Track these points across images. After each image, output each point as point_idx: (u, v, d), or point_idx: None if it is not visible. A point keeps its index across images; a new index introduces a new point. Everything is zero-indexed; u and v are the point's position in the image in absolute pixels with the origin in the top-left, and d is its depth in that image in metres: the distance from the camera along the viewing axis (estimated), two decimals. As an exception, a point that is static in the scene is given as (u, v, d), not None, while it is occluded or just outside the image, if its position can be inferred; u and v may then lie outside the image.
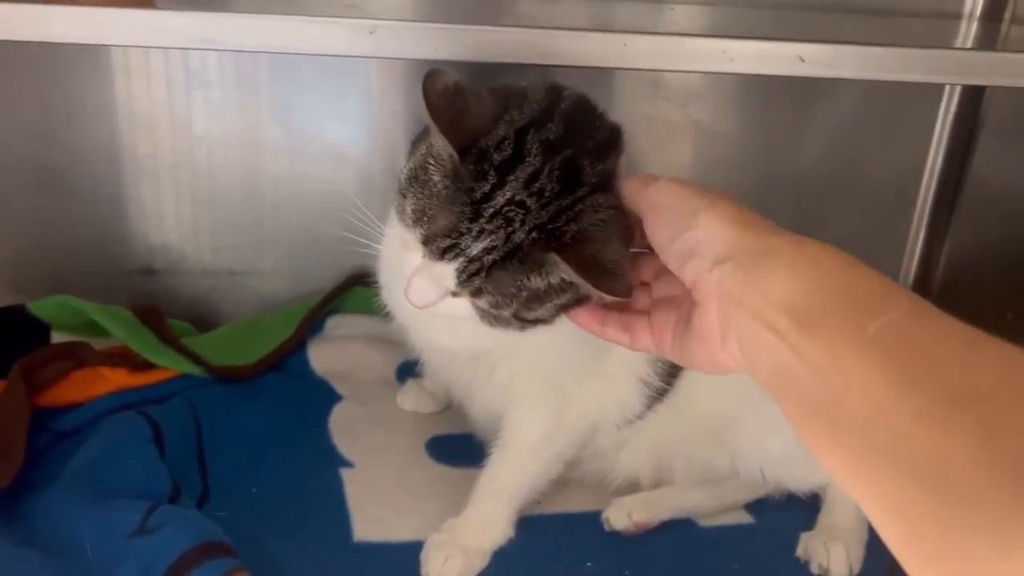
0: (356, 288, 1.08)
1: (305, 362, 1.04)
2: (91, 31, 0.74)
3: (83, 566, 0.70)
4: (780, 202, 1.14)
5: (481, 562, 0.79)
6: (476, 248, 0.59)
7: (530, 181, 0.59)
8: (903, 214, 1.20)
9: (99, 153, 1.03)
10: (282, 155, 1.06)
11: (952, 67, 0.88)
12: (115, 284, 1.07)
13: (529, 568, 0.79)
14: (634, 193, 0.60)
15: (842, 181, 1.16)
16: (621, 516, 0.83)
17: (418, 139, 0.64)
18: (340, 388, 1.02)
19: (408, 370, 1.02)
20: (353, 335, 1.07)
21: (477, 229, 0.59)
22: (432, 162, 0.60)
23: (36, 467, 0.82)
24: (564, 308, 0.63)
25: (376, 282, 0.80)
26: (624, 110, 1.07)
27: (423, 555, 0.78)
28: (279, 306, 1.09)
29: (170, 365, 0.95)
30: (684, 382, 0.83)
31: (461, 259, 0.60)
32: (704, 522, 0.87)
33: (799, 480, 0.88)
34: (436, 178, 0.60)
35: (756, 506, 0.89)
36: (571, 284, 0.61)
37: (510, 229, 0.59)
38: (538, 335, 0.65)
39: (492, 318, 0.63)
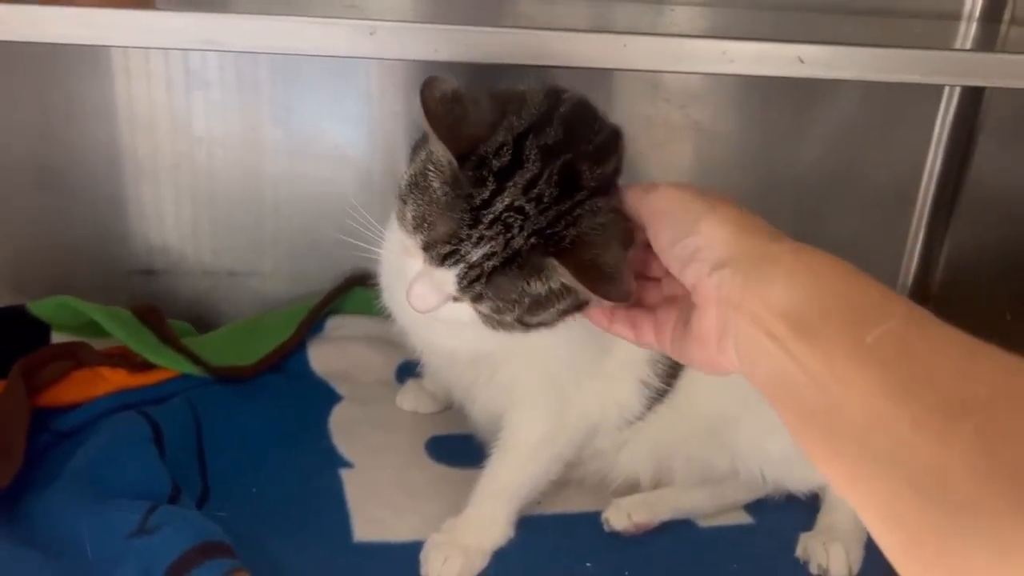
0: (356, 289, 1.08)
1: (305, 362, 1.04)
2: (91, 32, 0.74)
3: (83, 566, 0.70)
4: (780, 203, 1.14)
5: (481, 562, 0.79)
6: (476, 254, 0.59)
7: (529, 187, 0.59)
8: (902, 215, 1.20)
9: (99, 153, 1.03)
10: (282, 156, 1.06)
11: (951, 68, 0.88)
12: (115, 284, 1.07)
13: (529, 568, 0.79)
14: (635, 200, 0.60)
15: (842, 182, 1.16)
16: (621, 516, 0.83)
17: (418, 145, 0.64)
18: (340, 388, 1.02)
19: (408, 371, 1.02)
20: (353, 336, 1.07)
21: (477, 235, 0.59)
22: (432, 169, 0.60)
23: (36, 467, 0.82)
24: (566, 313, 0.63)
25: (376, 283, 0.80)
26: (624, 111, 1.07)
27: (423, 555, 0.78)
28: (279, 307, 1.09)
29: (170, 365, 0.95)
30: (684, 383, 0.83)
31: (461, 265, 0.60)
32: (704, 523, 0.87)
33: (799, 480, 0.88)
34: (436, 185, 0.60)
35: (756, 506, 0.89)
36: (571, 289, 0.61)
37: (509, 235, 0.59)
38: (539, 337, 0.65)
39: (494, 323, 0.63)
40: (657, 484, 0.89)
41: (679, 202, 0.57)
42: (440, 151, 0.59)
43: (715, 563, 0.82)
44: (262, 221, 1.09)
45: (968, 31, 1.06)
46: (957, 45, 0.98)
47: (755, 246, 0.52)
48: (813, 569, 0.81)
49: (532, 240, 0.59)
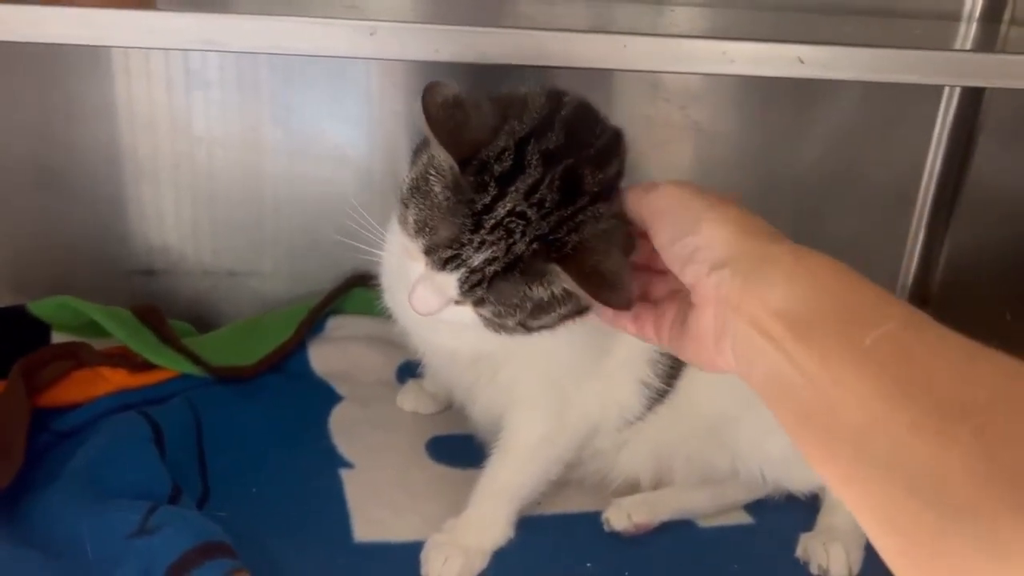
0: (356, 289, 1.08)
1: (305, 363, 1.04)
2: (91, 32, 0.74)
3: (83, 566, 0.70)
4: (780, 203, 1.14)
5: (481, 562, 0.79)
6: (477, 259, 0.59)
7: (530, 192, 0.59)
8: (903, 215, 1.20)
9: (99, 153, 1.03)
10: (282, 156, 1.06)
11: (951, 69, 0.88)
12: (115, 284, 1.07)
13: (529, 568, 0.79)
14: (636, 200, 0.60)
15: (842, 182, 1.16)
16: (621, 517, 0.83)
17: (419, 148, 0.64)
18: (340, 389, 1.02)
19: (408, 371, 1.02)
20: (353, 336, 1.07)
21: (478, 240, 0.59)
22: (433, 173, 0.60)
23: (36, 467, 0.82)
24: (567, 317, 0.63)
25: (377, 284, 0.80)
26: (624, 111, 1.07)
27: (423, 555, 0.78)
28: (279, 307, 1.09)
29: (170, 365, 0.95)
30: (684, 383, 0.83)
31: (463, 269, 0.60)
32: (704, 523, 0.87)
33: (799, 481, 0.88)
34: (437, 189, 0.60)
35: (756, 507, 0.89)
36: (573, 294, 0.61)
37: (511, 240, 0.59)
38: (540, 339, 0.65)
39: (496, 326, 0.63)
40: (657, 484, 0.89)
41: (679, 200, 0.57)
42: (442, 156, 0.59)
43: (715, 563, 0.82)
44: (262, 221, 1.09)
45: (968, 31, 1.06)
46: (957, 45, 0.98)
47: (755, 247, 0.52)
48: (813, 569, 0.81)
49: (534, 246, 0.59)
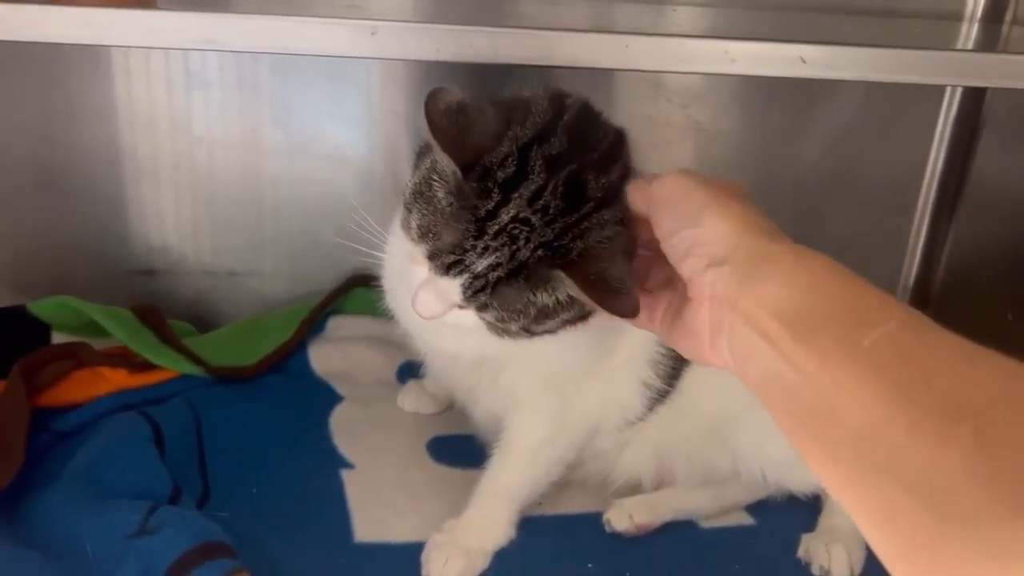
0: (357, 289, 1.08)
1: (306, 363, 1.03)
2: (91, 31, 0.73)
3: (83, 566, 0.70)
4: (781, 203, 1.14)
5: (482, 563, 0.79)
6: (481, 265, 0.59)
7: (534, 198, 0.59)
8: (904, 215, 1.20)
9: (99, 153, 1.03)
10: (282, 156, 1.06)
11: (953, 69, 0.88)
12: (115, 284, 1.07)
13: (530, 569, 0.79)
14: (640, 190, 0.60)
15: (843, 182, 1.16)
16: (622, 517, 0.83)
17: (422, 152, 0.64)
18: (341, 389, 1.02)
19: (409, 371, 1.02)
20: (354, 336, 1.07)
21: (482, 246, 0.59)
22: (436, 178, 0.60)
23: (36, 467, 0.82)
24: (570, 323, 0.63)
25: (378, 285, 0.80)
26: (625, 111, 1.07)
27: (424, 556, 0.77)
28: (279, 307, 1.09)
29: (170, 365, 0.95)
30: (685, 383, 0.83)
31: (466, 275, 0.60)
32: (705, 523, 0.87)
33: (800, 481, 0.88)
34: (440, 195, 0.60)
35: (757, 507, 0.89)
36: (576, 300, 0.61)
37: (515, 247, 0.59)
38: (543, 342, 0.65)
39: (499, 331, 0.63)
40: (658, 485, 0.88)
41: (683, 190, 0.56)
42: (445, 162, 0.59)
43: (717, 564, 0.82)
44: (262, 221, 1.09)
45: (970, 31, 1.06)
46: (959, 45, 0.98)
47: (754, 245, 0.51)
48: (815, 570, 0.81)
49: (539, 252, 0.59)
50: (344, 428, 0.95)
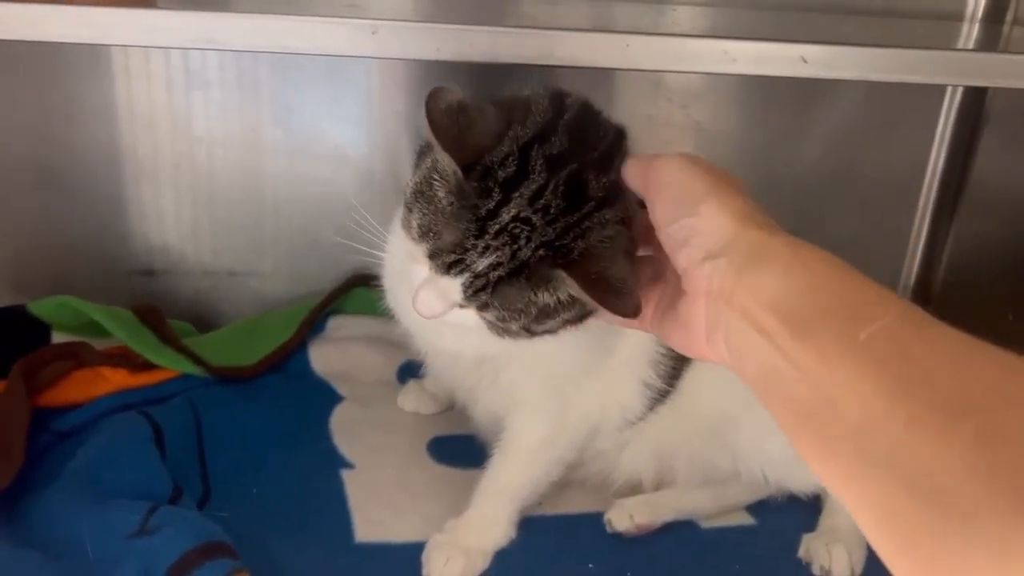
0: (357, 289, 1.08)
1: (306, 363, 1.03)
2: (91, 31, 0.73)
3: (83, 566, 0.70)
4: (781, 202, 1.13)
5: (482, 563, 0.78)
6: (482, 264, 0.59)
7: (535, 198, 0.59)
8: (904, 215, 1.20)
9: (99, 153, 1.03)
10: (282, 156, 1.06)
11: (954, 68, 0.88)
12: (115, 284, 1.07)
13: (530, 569, 0.79)
14: (639, 172, 0.59)
15: (843, 181, 1.16)
16: (623, 517, 0.83)
17: (423, 151, 0.64)
18: (341, 389, 1.02)
19: (409, 371, 1.02)
20: (354, 336, 1.07)
21: (482, 245, 0.59)
22: (437, 178, 0.60)
23: (36, 467, 0.81)
24: (571, 323, 0.63)
25: (378, 284, 0.80)
26: (625, 111, 1.07)
27: (424, 556, 0.77)
28: (279, 307, 1.09)
29: (170, 365, 0.95)
30: (685, 383, 0.83)
31: (467, 274, 0.60)
32: (706, 523, 0.87)
33: (800, 481, 0.88)
34: (441, 194, 0.60)
35: (758, 507, 0.89)
36: (577, 300, 0.61)
37: (516, 246, 0.59)
38: (543, 342, 0.65)
39: (499, 330, 0.63)
40: (659, 485, 0.88)
41: (683, 177, 0.55)
42: (445, 161, 0.59)
43: (717, 564, 0.82)
44: (262, 221, 1.09)
45: (971, 31, 1.06)
46: (960, 45, 0.98)
47: (753, 238, 0.51)
48: (815, 570, 0.81)
49: (540, 252, 0.59)
50: (344, 428, 0.95)
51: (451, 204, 0.59)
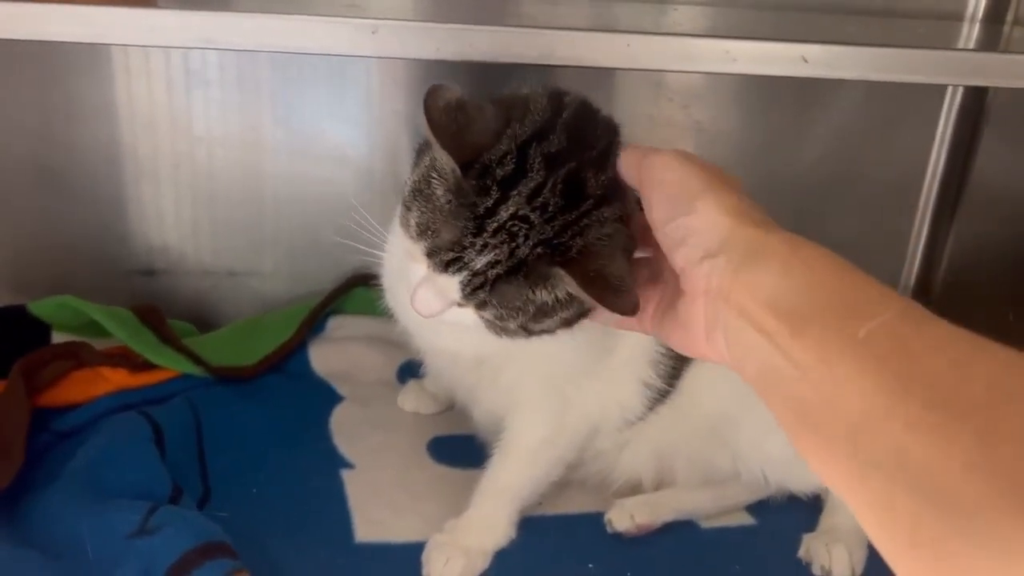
0: (357, 289, 1.07)
1: (306, 363, 1.03)
2: (92, 30, 0.73)
3: (83, 566, 0.70)
4: (781, 202, 1.12)
5: (482, 563, 0.78)
6: (480, 262, 0.59)
7: (533, 196, 0.59)
8: (905, 215, 1.19)
9: (99, 153, 1.03)
10: (282, 155, 1.06)
11: (955, 68, 0.88)
12: (115, 284, 1.07)
13: (531, 569, 0.79)
14: (633, 165, 0.59)
15: (844, 181, 1.16)
16: (623, 517, 0.83)
17: (421, 149, 0.64)
18: (341, 389, 1.02)
19: (409, 371, 1.02)
20: (354, 336, 1.07)
21: (480, 243, 0.59)
22: (435, 176, 0.60)
23: (36, 467, 0.81)
24: (569, 321, 0.63)
25: (378, 284, 0.80)
26: (626, 110, 1.07)
27: (424, 556, 0.77)
28: (279, 307, 1.09)
29: (170, 365, 0.95)
30: (685, 383, 0.83)
31: (465, 272, 0.59)
32: (706, 523, 0.87)
33: (801, 481, 0.88)
34: (439, 192, 0.60)
35: (758, 507, 0.89)
36: (575, 298, 0.61)
37: (514, 244, 0.59)
38: (542, 341, 0.65)
39: (498, 329, 0.63)
40: (659, 485, 0.88)
41: (679, 176, 0.55)
42: (444, 159, 0.59)
43: (717, 564, 0.82)
44: (262, 221, 1.09)
45: (971, 31, 1.06)
46: (960, 45, 0.98)
47: (749, 236, 0.51)
48: (816, 570, 0.81)
49: (538, 249, 0.59)
50: (344, 428, 0.95)
51: (449, 202, 0.59)
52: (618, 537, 0.83)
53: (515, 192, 0.59)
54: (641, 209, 0.58)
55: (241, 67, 1.02)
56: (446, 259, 0.60)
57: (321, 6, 0.81)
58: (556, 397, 0.81)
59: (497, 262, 0.59)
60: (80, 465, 0.79)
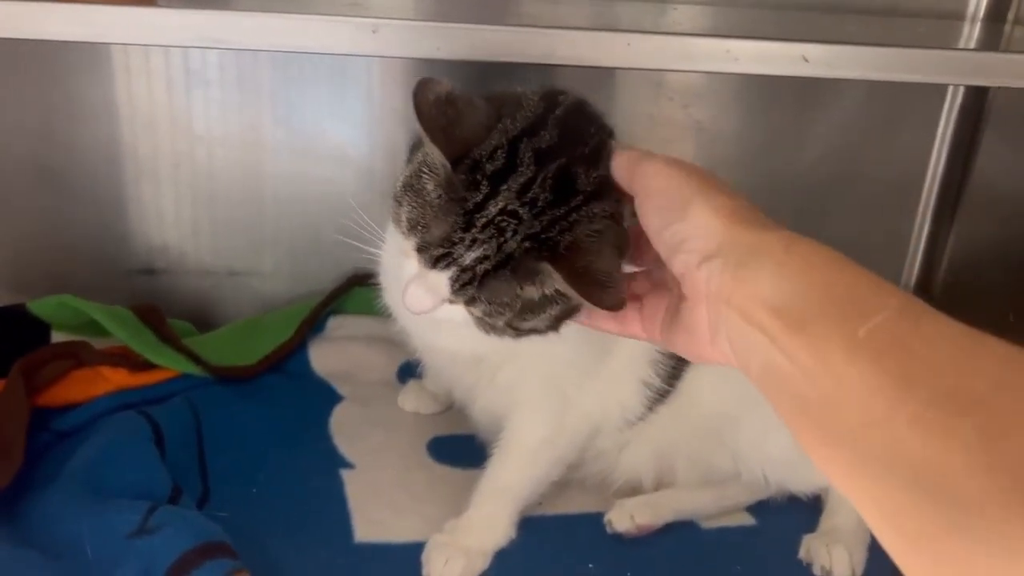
0: (357, 288, 1.07)
1: (306, 362, 1.03)
2: (92, 29, 0.73)
3: (83, 566, 0.70)
4: (782, 202, 1.14)
5: (482, 563, 0.78)
6: (469, 257, 0.59)
7: (523, 191, 0.59)
8: (906, 215, 1.19)
9: (99, 153, 1.03)
10: (283, 155, 1.06)
11: (955, 68, 0.88)
12: (115, 284, 1.07)
13: (531, 569, 0.79)
14: (625, 171, 0.59)
15: (844, 181, 1.15)
16: (623, 518, 0.83)
17: (415, 145, 0.64)
18: (341, 389, 1.02)
19: (409, 371, 1.02)
20: (354, 336, 1.07)
21: (470, 239, 0.58)
22: (426, 171, 0.60)
23: (36, 467, 0.81)
24: (558, 319, 0.63)
25: (377, 283, 0.80)
26: (627, 110, 1.07)
27: (424, 556, 0.77)
28: (279, 306, 1.09)
29: (170, 365, 0.95)
30: (686, 383, 0.83)
31: (454, 268, 0.59)
32: (706, 524, 0.87)
33: (801, 482, 0.88)
34: (430, 187, 0.60)
35: (758, 508, 0.89)
36: (564, 295, 0.61)
37: (502, 239, 0.58)
38: (540, 340, 0.65)
39: (487, 326, 0.63)
40: (659, 485, 0.88)
41: (671, 183, 0.55)
42: (434, 154, 0.59)
43: (718, 565, 0.82)
44: (262, 221, 1.09)
45: (972, 31, 1.05)
46: (961, 45, 0.98)
47: (745, 236, 0.50)
48: (816, 571, 0.81)
49: (526, 245, 0.59)
50: (344, 428, 0.95)
51: (439, 197, 0.59)
52: (618, 537, 0.83)
53: (505, 187, 0.58)
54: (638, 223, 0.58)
55: (241, 66, 1.02)
56: (436, 255, 0.59)
57: (322, 5, 0.81)
58: (556, 397, 0.81)
59: (486, 257, 0.58)
60: (80, 465, 0.79)
